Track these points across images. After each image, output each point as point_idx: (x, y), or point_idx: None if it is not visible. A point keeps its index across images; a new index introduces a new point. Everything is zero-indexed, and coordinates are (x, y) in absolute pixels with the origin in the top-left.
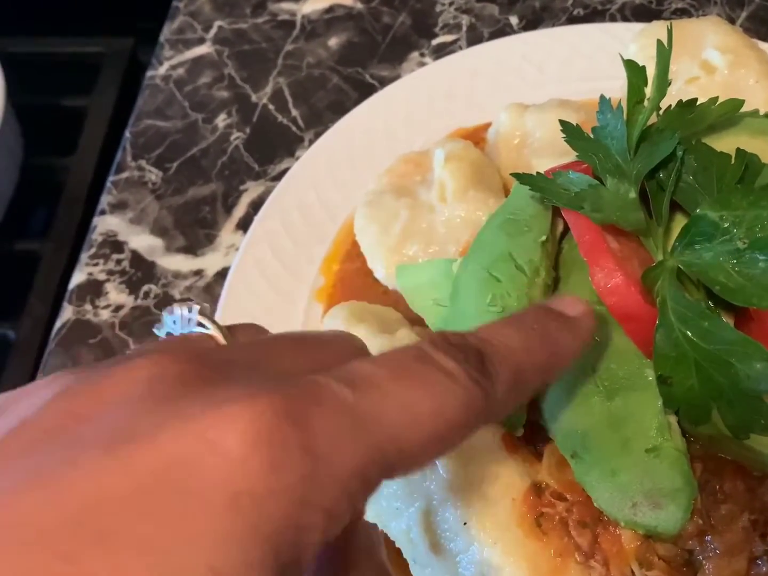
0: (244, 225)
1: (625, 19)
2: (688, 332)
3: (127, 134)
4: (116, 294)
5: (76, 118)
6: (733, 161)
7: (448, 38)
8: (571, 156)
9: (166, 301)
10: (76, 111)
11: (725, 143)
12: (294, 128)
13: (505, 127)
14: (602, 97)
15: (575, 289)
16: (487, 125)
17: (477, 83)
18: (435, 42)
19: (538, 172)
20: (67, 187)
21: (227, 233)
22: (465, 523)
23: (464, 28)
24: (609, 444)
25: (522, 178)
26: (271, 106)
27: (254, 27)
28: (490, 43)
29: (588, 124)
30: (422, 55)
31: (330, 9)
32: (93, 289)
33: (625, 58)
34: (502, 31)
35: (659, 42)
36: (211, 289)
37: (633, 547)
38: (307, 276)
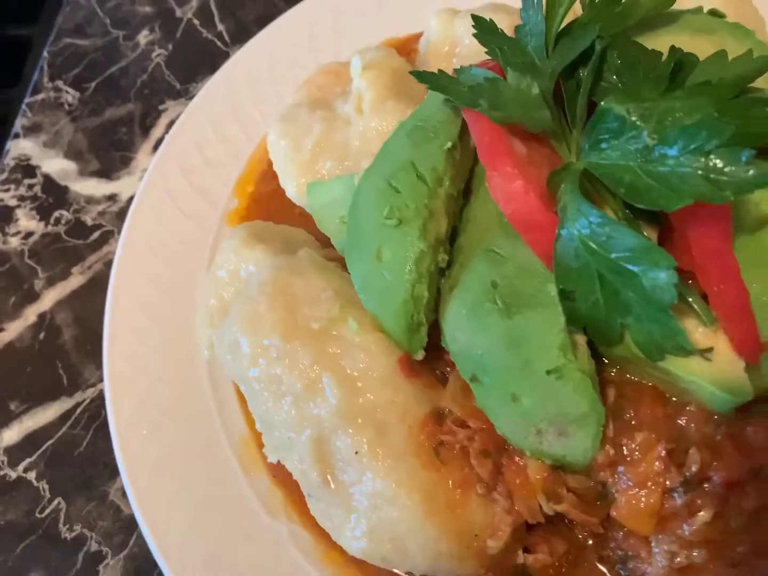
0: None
1: None
2: (590, 241)
3: (45, 54)
4: (26, 221)
5: (20, 48)
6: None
7: None
8: None
9: (77, 227)
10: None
11: (662, 42)
12: (219, 43)
13: (435, 35)
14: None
15: (484, 201)
16: (419, 35)
17: None
18: None
19: (440, 70)
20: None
21: (144, 156)
22: (357, 453)
23: None
24: (508, 366)
25: (421, 76)
26: (195, 21)
27: None
28: None
29: None
30: None
31: None
32: (3, 216)
33: None
34: None
35: None
36: (124, 215)
37: (540, 478)
38: (220, 198)
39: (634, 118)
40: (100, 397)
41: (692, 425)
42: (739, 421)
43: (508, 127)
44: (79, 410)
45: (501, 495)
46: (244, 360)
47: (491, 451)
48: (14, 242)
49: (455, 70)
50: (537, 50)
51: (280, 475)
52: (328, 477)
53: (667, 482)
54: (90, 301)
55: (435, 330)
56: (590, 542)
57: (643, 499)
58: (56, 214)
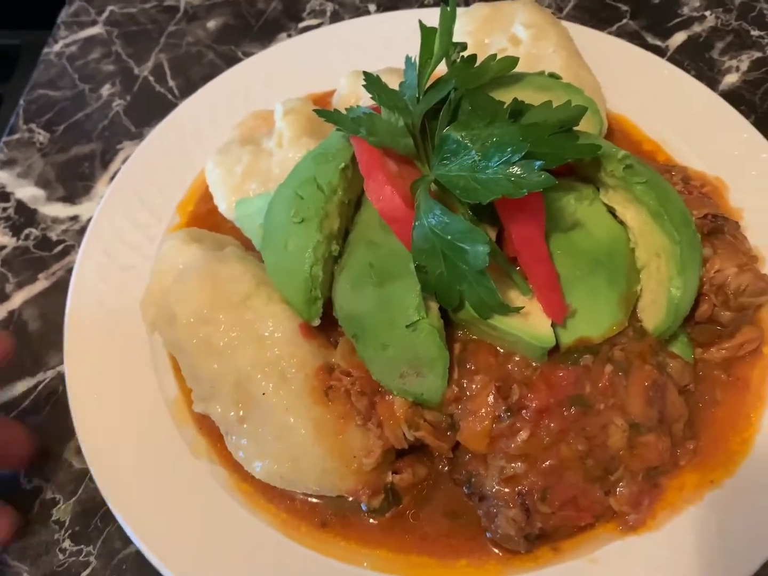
0: None
1: (467, 4)
2: (435, 227)
3: (21, 102)
4: (0, 236)
5: None
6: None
7: (313, 22)
8: None
9: (44, 242)
10: None
11: (509, 95)
12: (170, 96)
13: (344, 91)
14: (407, 57)
15: (368, 207)
16: (333, 91)
17: (330, 56)
18: (301, 25)
19: (335, 109)
20: None
21: (102, 185)
22: (264, 394)
23: (328, 14)
24: (379, 323)
25: (321, 113)
26: (151, 78)
27: (143, 11)
28: (345, 23)
29: None
30: (289, 35)
31: None
32: None
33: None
34: (361, 16)
35: (443, 8)
36: (84, 232)
37: (403, 411)
38: (165, 214)
39: (466, 141)
40: (59, 377)
41: (516, 368)
42: (550, 365)
43: (384, 150)
44: (40, 387)
45: (374, 425)
46: (178, 328)
47: (367, 392)
48: None
49: (346, 109)
50: (411, 99)
51: (205, 426)
52: (242, 414)
53: (496, 410)
54: (53, 301)
55: (330, 305)
56: (446, 469)
57: (478, 423)
58: (26, 231)
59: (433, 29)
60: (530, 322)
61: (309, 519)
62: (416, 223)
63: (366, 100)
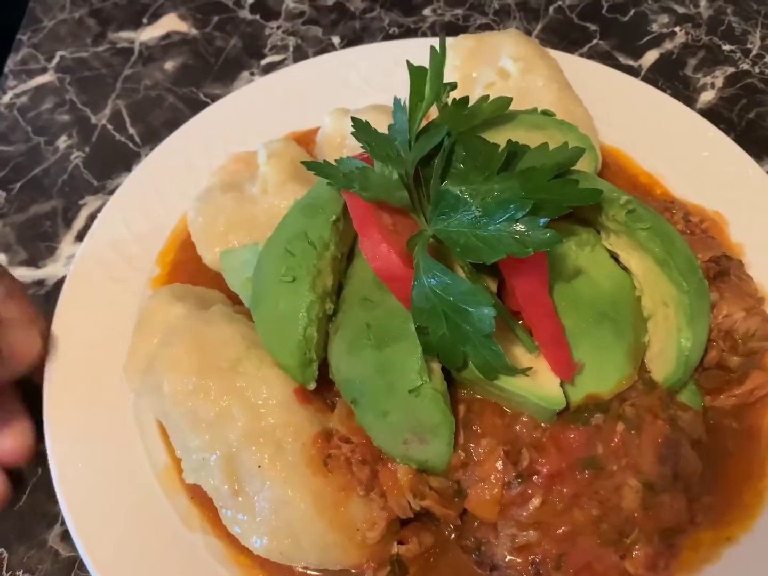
0: (82, 236)
1: (436, 34)
2: (436, 288)
3: None
4: None
5: None
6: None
7: (276, 58)
8: None
9: None
10: None
11: (502, 136)
12: (131, 145)
13: (328, 129)
14: (395, 98)
15: (362, 261)
16: (317, 129)
17: (309, 93)
18: (264, 62)
19: (324, 160)
20: None
21: (67, 244)
22: (259, 466)
23: (291, 49)
24: (379, 388)
25: (310, 165)
26: (109, 126)
27: (95, 55)
28: (322, 57)
29: None
30: (252, 74)
31: (166, 35)
32: None
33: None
34: (325, 50)
35: (432, 47)
36: (51, 297)
37: (407, 479)
38: (145, 265)
39: (465, 196)
40: (37, 458)
41: (524, 430)
42: (560, 426)
43: (378, 204)
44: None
45: (377, 495)
46: (165, 397)
47: (368, 460)
48: None
49: (336, 161)
50: (402, 144)
51: (198, 496)
52: (237, 488)
53: (505, 477)
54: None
55: (325, 366)
56: (453, 536)
57: (487, 491)
58: None
59: (422, 70)
60: (537, 381)
61: None
62: (415, 283)
63: (352, 139)
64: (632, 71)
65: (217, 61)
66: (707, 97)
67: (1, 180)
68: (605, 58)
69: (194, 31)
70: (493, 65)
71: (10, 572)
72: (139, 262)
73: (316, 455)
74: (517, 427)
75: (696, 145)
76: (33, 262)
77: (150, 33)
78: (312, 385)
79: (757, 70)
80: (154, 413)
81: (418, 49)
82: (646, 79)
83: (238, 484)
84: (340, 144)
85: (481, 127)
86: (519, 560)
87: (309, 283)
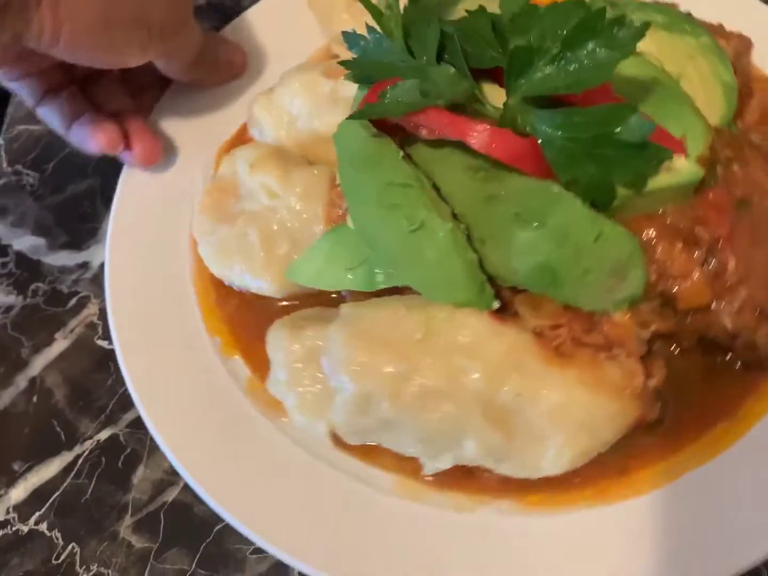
0: None
1: None
2: (568, 134)
3: (0, 141)
4: (4, 296)
5: None
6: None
7: None
8: None
9: (54, 296)
10: None
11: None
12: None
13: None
14: (344, 33)
15: (449, 180)
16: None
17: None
18: None
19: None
20: None
21: (108, 223)
22: (519, 395)
23: None
24: (568, 257)
25: (353, 117)
26: None
27: None
28: None
29: None
30: None
31: None
32: None
33: None
34: None
35: None
36: (98, 280)
37: (627, 318)
38: (202, 344)
39: (535, 44)
40: (99, 447)
41: (680, 219)
42: (702, 195)
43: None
44: (80, 461)
45: (618, 348)
46: (386, 410)
47: (590, 326)
48: None
49: (379, 95)
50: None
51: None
52: (507, 430)
53: (698, 260)
54: (76, 362)
55: (492, 283)
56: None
57: (691, 281)
58: (33, 286)
59: None
60: (671, 168)
61: None
62: (543, 144)
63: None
64: None
65: None
66: None
67: (33, 161)
68: None
69: None
70: None
71: (84, 567)
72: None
73: (549, 354)
74: (672, 219)
75: None
76: (75, 244)
77: None
78: (496, 304)
79: None
80: (353, 438)
81: None
82: None
83: (507, 428)
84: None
85: None
86: (747, 317)
87: (436, 217)
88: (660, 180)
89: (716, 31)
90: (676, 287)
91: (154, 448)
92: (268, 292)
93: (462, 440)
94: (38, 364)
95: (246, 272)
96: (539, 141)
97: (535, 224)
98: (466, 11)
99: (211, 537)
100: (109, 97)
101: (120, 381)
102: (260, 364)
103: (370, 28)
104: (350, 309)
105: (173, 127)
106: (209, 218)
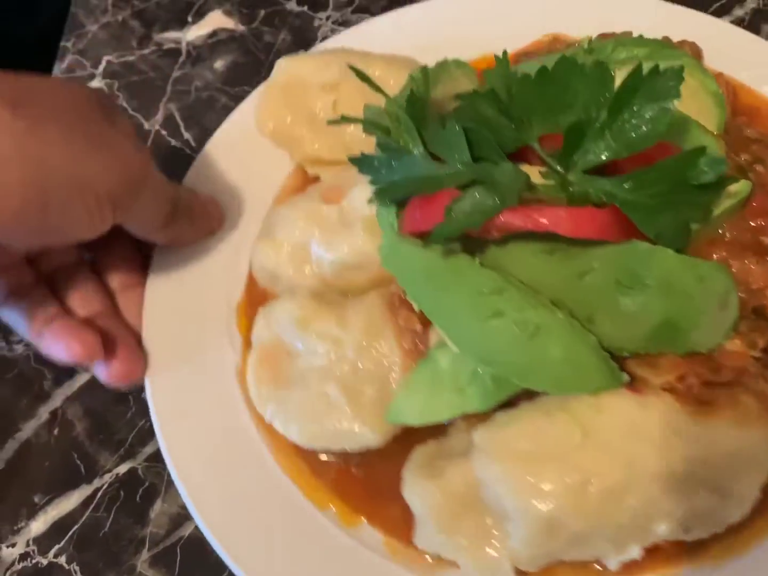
0: None
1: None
2: (647, 192)
3: None
4: None
5: None
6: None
7: None
8: None
9: None
10: None
11: None
12: (188, 150)
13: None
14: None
15: (528, 270)
16: None
17: None
18: None
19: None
20: None
21: None
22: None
23: None
24: (681, 306)
25: (434, 240)
26: (163, 132)
27: (142, 58)
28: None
29: None
30: None
31: (213, 33)
32: (3, 326)
33: None
34: None
35: None
36: None
37: (739, 344)
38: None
39: (584, 116)
40: (118, 481)
41: (740, 231)
42: (747, 207)
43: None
44: (99, 494)
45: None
46: (571, 527)
47: (713, 365)
48: (19, 349)
49: (446, 210)
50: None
51: None
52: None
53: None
54: (97, 395)
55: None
56: None
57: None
58: None
59: None
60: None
61: None
62: (624, 207)
63: None
64: None
65: (268, 57)
66: None
67: None
68: None
69: (241, 27)
70: None
71: None
72: None
73: (695, 407)
74: (731, 237)
75: None
76: None
77: (196, 32)
78: (627, 377)
79: None
80: (543, 560)
81: None
82: None
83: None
84: None
85: None
86: None
87: (547, 313)
88: (722, 205)
89: (667, 44)
90: (766, 299)
91: (171, 482)
92: (372, 443)
93: (652, 525)
94: (60, 396)
95: (341, 432)
96: (619, 206)
97: (638, 286)
98: (459, 97)
99: (225, 574)
100: (85, 296)
101: (139, 414)
102: (392, 525)
103: (382, 146)
104: (484, 435)
105: (171, 296)
106: (274, 390)
